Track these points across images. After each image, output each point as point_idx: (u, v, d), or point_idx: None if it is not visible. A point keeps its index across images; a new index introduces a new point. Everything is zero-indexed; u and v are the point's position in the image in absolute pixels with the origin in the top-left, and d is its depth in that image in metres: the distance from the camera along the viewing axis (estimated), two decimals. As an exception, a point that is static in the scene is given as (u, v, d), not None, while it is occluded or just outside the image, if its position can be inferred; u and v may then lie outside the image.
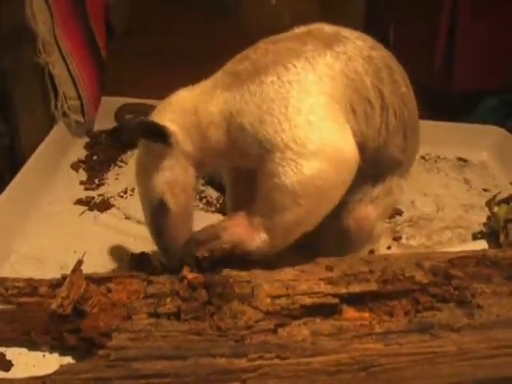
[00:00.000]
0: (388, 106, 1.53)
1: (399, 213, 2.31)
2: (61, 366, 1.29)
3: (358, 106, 1.48)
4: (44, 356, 1.50)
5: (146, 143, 1.48)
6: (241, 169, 1.63)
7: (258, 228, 1.43)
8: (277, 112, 1.38)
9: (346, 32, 1.55)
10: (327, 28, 1.56)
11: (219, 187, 2.32)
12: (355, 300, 1.40)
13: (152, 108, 1.59)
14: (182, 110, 1.48)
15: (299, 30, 1.57)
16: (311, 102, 1.40)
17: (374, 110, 1.51)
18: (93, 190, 2.38)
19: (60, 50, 2.44)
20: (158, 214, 1.49)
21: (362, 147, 1.51)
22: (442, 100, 3.11)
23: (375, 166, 1.59)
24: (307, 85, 1.41)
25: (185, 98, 1.51)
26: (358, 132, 1.49)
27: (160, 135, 1.43)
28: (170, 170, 1.47)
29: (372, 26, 3.65)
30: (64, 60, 2.46)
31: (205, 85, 1.54)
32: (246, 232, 1.43)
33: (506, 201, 2.25)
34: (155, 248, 2.02)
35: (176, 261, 1.47)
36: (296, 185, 1.37)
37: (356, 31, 1.58)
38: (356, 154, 1.44)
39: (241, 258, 1.44)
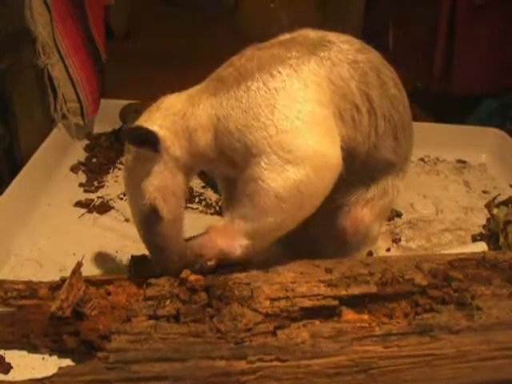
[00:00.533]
0: (376, 110, 1.53)
1: (398, 215, 2.31)
2: (60, 368, 1.29)
3: (345, 112, 1.48)
4: (43, 358, 1.50)
5: (135, 149, 1.47)
6: (221, 173, 1.63)
7: (238, 234, 1.44)
8: (263, 118, 1.39)
9: (331, 36, 1.55)
10: (312, 33, 1.55)
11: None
12: (355, 302, 1.40)
13: None
14: (170, 114, 1.48)
15: (284, 36, 1.57)
16: (298, 108, 1.40)
17: (362, 115, 1.51)
18: (92, 192, 2.37)
19: (59, 52, 2.43)
20: (149, 220, 1.49)
21: (352, 152, 1.51)
22: (442, 102, 3.12)
23: (367, 169, 1.60)
24: (293, 91, 1.42)
25: (172, 102, 1.50)
26: (347, 138, 1.49)
27: (149, 141, 1.42)
28: (159, 176, 1.46)
29: (371, 30, 3.65)
30: (63, 62, 2.46)
31: (192, 90, 1.54)
32: (226, 243, 1.44)
33: (506, 203, 2.26)
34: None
35: (168, 265, 1.48)
36: (281, 190, 1.38)
37: (344, 35, 1.57)
38: (340, 161, 1.44)
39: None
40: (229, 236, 1.44)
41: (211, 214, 2.27)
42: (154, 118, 1.47)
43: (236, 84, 1.43)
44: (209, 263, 1.44)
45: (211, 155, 1.48)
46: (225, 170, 1.58)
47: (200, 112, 1.46)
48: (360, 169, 1.57)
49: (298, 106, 1.41)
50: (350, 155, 1.50)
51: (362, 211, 1.65)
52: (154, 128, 1.43)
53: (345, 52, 1.51)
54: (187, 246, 1.49)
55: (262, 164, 1.38)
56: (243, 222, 1.43)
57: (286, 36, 1.57)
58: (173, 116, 1.47)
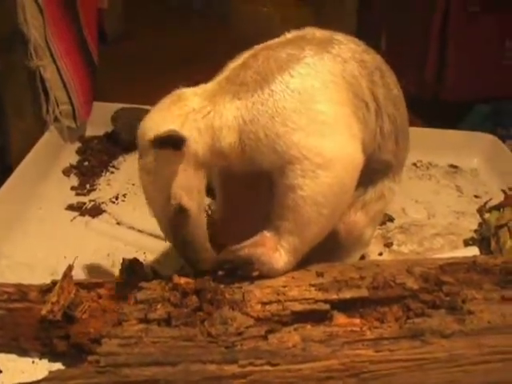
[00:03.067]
0: (382, 110, 1.54)
1: (391, 219, 2.31)
2: (50, 372, 1.28)
3: (358, 110, 1.49)
4: (33, 362, 1.49)
5: (154, 151, 1.43)
6: (235, 171, 1.62)
7: (284, 250, 1.45)
8: (290, 122, 1.39)
9: (338, 36, 1.56)
10: (318, 32, 1.56)
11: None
12: (346, 306, 1.40)
13: (148, 112, 1.57)
14: (191, 110, 1.45)
15: (291, 35, 1.57)
16: (321, 110, 1.41)
17: (370, 114, 1.52)
18: (84, 195, 2.37)
19: (52, 54, 2.43)
20: (177, 219, 1.48)
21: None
22: (434, 107, 3.12)
23: (368, 171, 1.60)
24: (314, 92, 1.42)
25: (190, 98, 1.47)
26: (361, 137, 1.50)
27: (172, 141, 1.40)
28: (183, 174, 1.45)
29: (364, 35, 3.65)
30: (55, 64, 2.46)
31: (209, 87, 1.51)
32: (271, 254, 1.44)
33: (497, 207, 2.26)
34: (146, 254, 2.04)
35: (201, 264, 1.48)
36: (319, 196, 1.40)
37: (348, 36, 1.59)
38: (362, 157, 1.47)
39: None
40: (275, 250, 1.45)
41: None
42: (174, 114, 1.45)
43: (259, 87, 1.43)
44: (254, 273, 1.44)
45: (233, 155, 1.47)
46: (245, 168, 1.53)
47: (225, 112, 1.44)
48: (362, 170, 1.58)
49: (320, 107, 1.41)
50: None
51: (357, 214, 1.65)
52: (178, 127, 1.42)
53: (352, 51, 1.52)
54: (234, 249, 1.47)
55: (297, 171, 1.39)
56: (291, 238, 1.45)
57: (293, 34, 1.57)
58: (194, 113, 1.45)
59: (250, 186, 1.65)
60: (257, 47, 1.54)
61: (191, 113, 1.45)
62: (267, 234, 1.48)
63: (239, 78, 1.47)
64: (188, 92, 1.50)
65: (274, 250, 1.45)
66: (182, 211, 1.46)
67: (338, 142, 1.42)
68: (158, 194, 1.47)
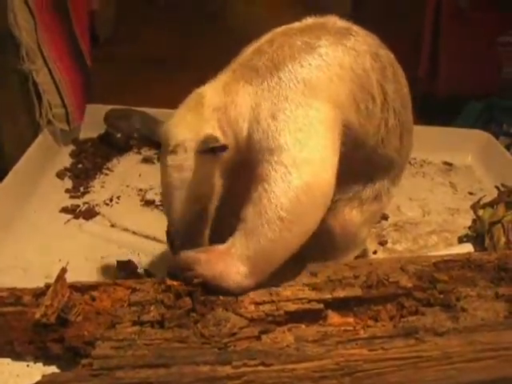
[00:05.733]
0: (389, 104, 1.56)
1: (385, 217, 2.31)
2: (43, 376, 1.28)
3: (361, 102, 1.50)
4: (28, 366, 1.49)
5: (188, 154, 1.44)
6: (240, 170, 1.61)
7: (237, 261, 1.38)
8: (288, 111, 1.40)
9: (356, 28, 1.58)
10: (339, 22, 1.57)
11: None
12: (340, 305, 1.40)
13: (140, 113, 1.58)
14: (215, 110, 1.47)
15: (311, 20, 1.58)
16: (318, 107, 1.41)
17: (376, 106, 1.53)
18: (78, 198, 2.37)
19: (44, 57, 2.43)
20: (194, 220, 1.49)
21: (361, 144, 1.53)
22: (427, 105, 3.13)
23: (370, 165, 1.61)
24: (318, 86, 1.43)
25: (211, 96, 1.49)
26: (358, 126, 1.51)
27: (217, 148, 1.42)
28: (214, 179, 1.48)
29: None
30: (48, 67, 2.45)
31: (224, 78, 1.53)
32: (222, 268, 1.38)
33: (491, 204, 2.26)
34: (140, 256, 2.03)
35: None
36: (282, 197, 1.35)
37: (365, 30, 1.60)
38: (333, 182, 1.42)
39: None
40: (227, 262, 1.39)
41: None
42: (204, 116, 1.47)
43: (269, 74, 1.44)
44: (195, 280, 1.38)
45: (244, 146, 1.47)
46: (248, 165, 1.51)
47: (239, 100, 1.46)
48: (362, 164, 1.59)
49: (318, 104, 1.42)
50: (357, 146, 1.52)
51: (352, 213, 1.65)
52: (213, 131, 1.44)
53: (368, 44, 1.54)
54: (182, 254, 1.45)
55: (272, 163, 1.37)
56: (244, 243, 1.38)
57: (314, 20, 1.58)
58: (216, 112, 1.47)
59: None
60: (275, 31, 1.55)
61: (215, 113, 1.47)
62: (219, 246, 1.43)
63: (252, 62, 1.49)
64: (207, 89, 1.52)
65: (225, 261, 1.39)
66: (204, 212, 1.48)
67: (319, 147, 1.39)
68: (185, 191, 1.48)
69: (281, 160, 1.36)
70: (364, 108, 1.51)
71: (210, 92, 1.51)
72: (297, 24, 1.57)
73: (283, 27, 1.56)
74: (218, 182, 1.50)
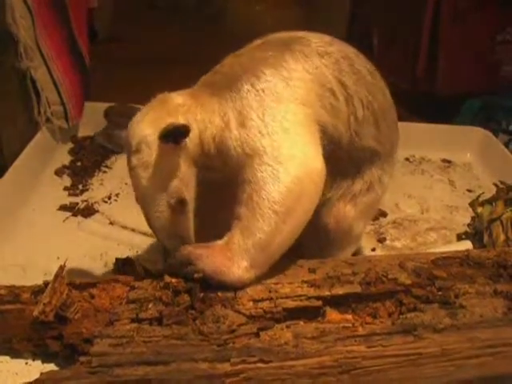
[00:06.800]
0: (353, 96, 1.56)
1: (384, 215, 2.31)
2: (41, 373, 1.28)
3: (324, 100, 1.51)
4: (27, 363, 1.48)
5: (151, 147, 1.44)
6: (214, 176, 1.62)
7: (237, 255, 1.39)
8: (255, 118, 1.42)
9: (301, 33, 1.60)
10: (283, 34, 1.61)
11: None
12: (338, 302, 1.40)
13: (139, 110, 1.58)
14: (178, 106, 1.49)
15: (257, 42, 1.62)
16: (284, 109, 1.44)
17: (339, 102, 1.53)
18: (77, 195, 2.36)
19: (42, 55, 2.42)
20: (174, 214, 1.48)
21: (337, 142, 1.54)
22: (426, 103, 3.13)
23: (352, 159, 1.61)
24: (278, 91, 1.46)
25: (175, 98, 1.51)
26: (331, 126, 1.52)
27: (180, 133, 1.42)
28: (181, 167, 1.47)
29: (356, 32, 3.67)
30: (46, 65, 2.45)
31: (189, 90, 1.55)
32: (223, 262, 1.39)
33: (490, 201, 2.26)
34: (139, 253, 2.03)
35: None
36: (274, 193, 1.38)
37: (314, 32, 1.62)
38: (324, 165, 1.45)
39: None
40: (227, 257, 1.40)
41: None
42: (167, 111, 1.47)
43: (228, 87, 1.47)
44: (196, 275, 1.39)
45: (212, 151, 1.49)
46: (219, 169, 1.55)
47: (206, 104, 1.48)
48: (345, 161, 1.59)
49: (282, 106, 1.44)
50: (334, 146, 1.53)
51: (346, 207, 1.66)
52: (175, 120, 1.44)
53: (314, 44, 1.56)
54: (182, 249, 1.45)
55: (255, 165, 1.39)
56: (242, 238, 1.39)
57: (259, 41, 1.62)
58: (181, 107, 1.48)
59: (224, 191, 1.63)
60: (227, 57, 1.60)
61: (180, 108, 1.48)
62: (218, 242, 1.44)
63: (212, 81, 1.54)
64: (171, 94, 1.53)
65: (225, 257, 1.40)
66: (182, 204, 1.47)
67: (298, 143, 1.42)
68: (156, 188, 1.47)
69: (263, 161, 1.39)
70: (329, 106, 1.52)
71: (174, 96, 1.52)
72: (245, 47, 1.62)
73: (234, 53, 1.60)
74: (187, 172, 1.49)
